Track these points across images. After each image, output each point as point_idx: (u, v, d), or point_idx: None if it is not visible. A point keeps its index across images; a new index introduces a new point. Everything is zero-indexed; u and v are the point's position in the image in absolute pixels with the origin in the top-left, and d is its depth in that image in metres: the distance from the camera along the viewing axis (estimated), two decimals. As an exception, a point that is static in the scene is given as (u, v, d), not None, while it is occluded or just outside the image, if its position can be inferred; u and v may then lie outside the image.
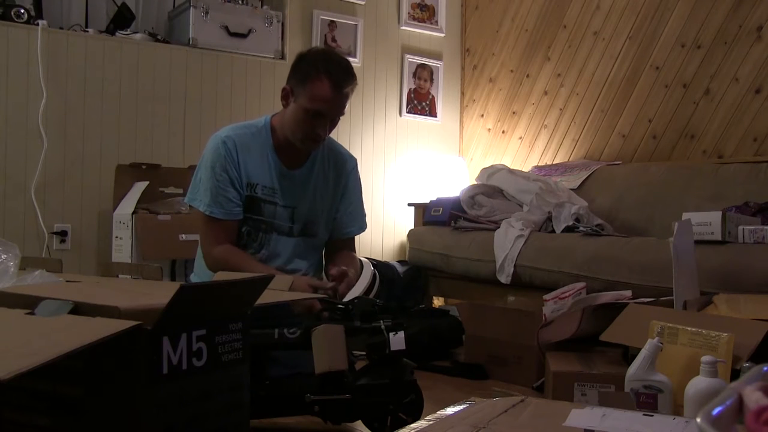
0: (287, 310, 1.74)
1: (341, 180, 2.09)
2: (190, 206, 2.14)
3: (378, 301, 1.72)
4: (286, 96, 1.94)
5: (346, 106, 1.92)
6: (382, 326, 1.58)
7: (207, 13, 3.55)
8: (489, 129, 4.38)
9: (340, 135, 3.98)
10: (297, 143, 1.94)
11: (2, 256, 1.36)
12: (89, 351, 0.85)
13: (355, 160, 2.16)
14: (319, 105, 1.86)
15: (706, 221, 2.34)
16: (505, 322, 2.35)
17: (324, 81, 1.84)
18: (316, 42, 3.95)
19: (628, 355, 1.78)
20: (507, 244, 2.94)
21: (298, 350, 1.60)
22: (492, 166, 3.63)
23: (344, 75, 1.87)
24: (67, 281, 1.38)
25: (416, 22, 4.36)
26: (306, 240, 2.05)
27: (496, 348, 2.33)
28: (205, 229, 1.97)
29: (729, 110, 3.17)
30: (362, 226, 2.14)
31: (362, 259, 3.18)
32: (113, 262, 3.06)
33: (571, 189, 3.37)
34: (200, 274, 2.08)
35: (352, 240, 2.14)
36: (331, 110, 1.89)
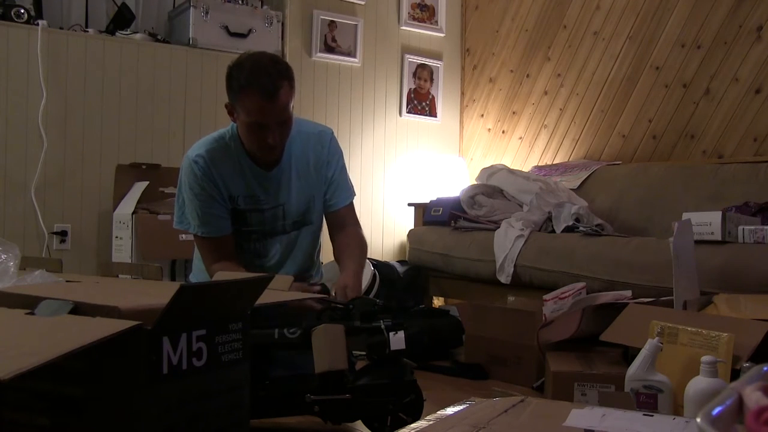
0: (287, 310, 1.74)
1: (322, 156, 2.05)
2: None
3: (378, 300, 1.72)
4: (230, 112, 1.90)
5: (290, 106, 1.87)
6: (382, 326, 1.58)
7: (207, 13, 3.55)
8: (489, 129, 4.38)
9: (340, 135, 3.98)
10: (257, 154, 1.92)
11: (2, 256, 1.36)
12: (89, 351, 0.85)
13: (330, 131, 2.10)
14: (256, 118, 1.82)
15: (706, 221, 2.34)
16: (505, 322, 2.35)
17: (253, 93, 1.79)
18: (316, 42, 3.95)
19: (628, 355, 1.78)
20: (507, 244, 2.93)
21: (299, 350, 1.60)
22: (492, 166, 3.63)
23: (272, 82, 1.79)
24: (67, 281, 1.38)
25: (416, 22, 4.36)
26: (304, 229, 2.05)
27: (496, 348, 2.33)
28: (200, 248, 1.98)
29: (729, 110, 3.17)
30: (350, 194, 2.10)
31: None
32: (113, 262, 3.06)
33: (571, 189, 3.37)
34: (198, 274, 2.08)
35: (347, 210, 2.09)
36: (270, 119, 1.82)
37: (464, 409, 0.98)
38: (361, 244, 2.06)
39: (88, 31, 3.39)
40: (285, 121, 1.87)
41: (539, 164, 3.99)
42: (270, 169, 1.98)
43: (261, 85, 1.78)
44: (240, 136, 1.94)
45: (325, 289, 2.18)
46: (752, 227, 2.33)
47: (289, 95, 1.84)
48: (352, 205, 2.11)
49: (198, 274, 2.08)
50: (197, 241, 1.98)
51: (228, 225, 1.94)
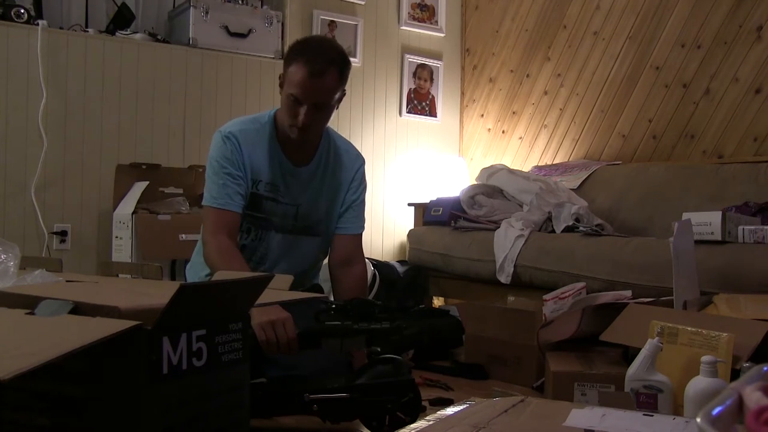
0: (287, 310, 1.74)
1: (348, 178, 2.07)
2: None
3: (378, 302, 1.72)
4: (281, 84, 1.91)
5: (333, 97, 1.88)
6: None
7: (207, 13, 3.55)
8: (489, 129, 4.38)
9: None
10: (287, 132, 1.92)
11: (2, 256, 1.36)
12: (89, 351, 0.85)
13: (363, 159, 2.13)
14: (294, 90, 1.83)
15: (706, 221, 2.34)
16: (505, 322, 2.34)
17: (299, 65, 1.81)
18: (316, 42, 3.95)
19: (628, 355, 1.78)
20: (507, 244, 2.93)
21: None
22: (492, 166, 3.63)
23: (320, 60, 1.81)
24: (67, 281, 1.38)
25: (416, 22, 4.36)
26: (308, 239, 2.03)
27: (496, 348, 2.33)
28: (206, 219, 1.92)
29: (729, 110, 3.17)
30: (362, 226, 2.11)
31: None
32: (113, 262, 3.06)
33: (571, 189, 3.37)
34: (195, 266, 2.08)
35: (356, 241, 2.08)
36: (306, 96, 1.83)
37: (464, 409, 0.98)
38: (366, 287, 2.07)
39: (88, 31, 3.39)
40: (321, 107, 1.87)
41: (539, 164, 3.99)
42: (299, 166, 1.98)
43: (310, 61, 1.81)
44: (276, 115, 1.95)
45: (318, 289, 2.18)
46: (752, 227, 2.33)
47: (334, 82, 1.85)
48: (361, 237, 2.10)
49: (195, 266, 2.07)
50: (206, 213, 1.92)
51: (241, 204, 1.91)
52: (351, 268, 2.04)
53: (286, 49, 3.81)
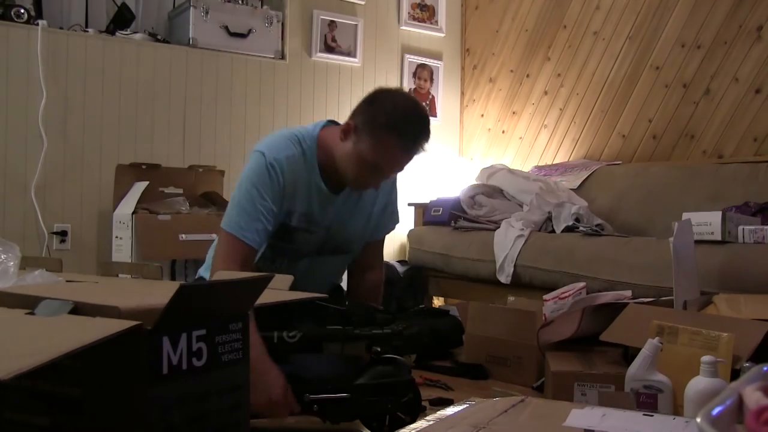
0: (288, 312, 1.73)
1: (384, 193, 2.02)
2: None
3: (380, 307, 1.72)
4: (347, 131, 1.77)
5: None
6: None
7: (207, 13, 3.55)
8: (489, 129, 4.38)
9: (340, 135, 3.98)
10: (345, 181, 1.83)
11: (2, 256, 1.36)
12: (89, 351, 0.85)
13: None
14: (381, 163, 1.76)
15: (706, 221, 2.34)
16: (505, 322, 2.34)
17: (397, 144, 1.73)
18: (316, 42, 3.94)
19: (628, 355, 1.78)
20: (507, 244, 2.93)
21: (298, 354, 1.60)
22: (492, 166, 3.63)
23: (420, 140, 1.76)
24: (67, 281, 1.38)
25: (416, 22, 4.36)
26: (336, 258, 1.96)
27: (496, 348, 2.33)
28: (224, 244, 1.75)
29: (729, 110, 3.17)
30: (395, 223, 2.10)
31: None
32: (113, 262, 3.06)
33: (571, 189, 3.37)
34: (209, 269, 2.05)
35: (378, 244, 2.07)
36: (394, 171, 1.83)
37: (464, 409, 0.99)
38: (380, 295, 2.03)
39: (88, 31, 3.39)
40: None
41: (539, 164, 3.99)
42: (337, 192, 1.86)
43: (410, 140, 1.75)
44: (340, 157, 1.80)
45: (338, 289, 2.15)
46: (752, 227, 2.33)
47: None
48: (383, 241, 2.08)
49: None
50: (225, 238, 1.74)
51: (263, 243, 1.78)
52: (368, 274, 2.01)
53: (286, 49, 3.84)
